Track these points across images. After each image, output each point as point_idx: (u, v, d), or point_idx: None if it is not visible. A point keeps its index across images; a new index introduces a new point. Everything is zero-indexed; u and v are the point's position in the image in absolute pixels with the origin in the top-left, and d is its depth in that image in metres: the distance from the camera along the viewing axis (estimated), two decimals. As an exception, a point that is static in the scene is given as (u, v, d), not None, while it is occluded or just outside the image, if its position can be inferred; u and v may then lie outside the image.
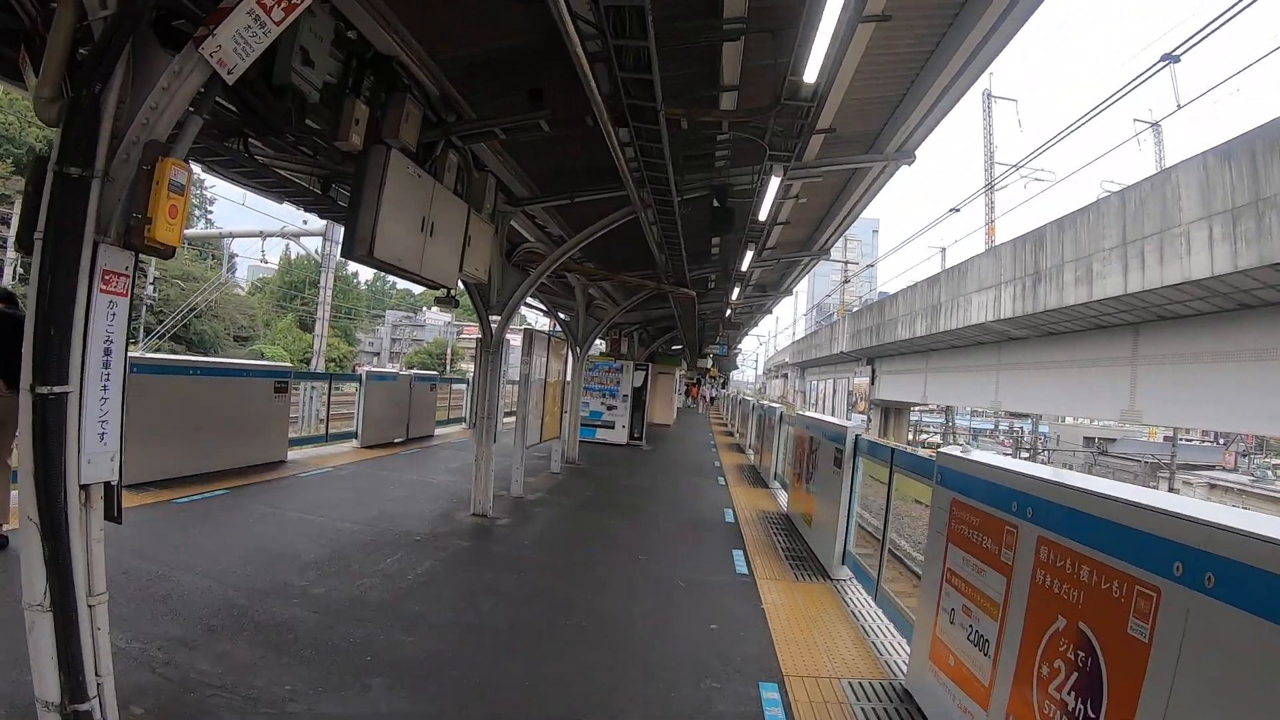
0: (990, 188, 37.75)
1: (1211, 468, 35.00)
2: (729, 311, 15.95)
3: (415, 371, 13.49)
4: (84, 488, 2.36)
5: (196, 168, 5.86)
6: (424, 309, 76.05)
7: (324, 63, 3.48)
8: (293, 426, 15.26)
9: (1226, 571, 1.75)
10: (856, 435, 6.08)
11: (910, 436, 37.34)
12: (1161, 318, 12.14)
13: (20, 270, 24.58)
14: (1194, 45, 7.79)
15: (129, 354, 6.37)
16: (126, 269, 2.54)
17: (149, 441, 6.88)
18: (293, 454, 9.51)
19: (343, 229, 4.60)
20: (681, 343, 22.48)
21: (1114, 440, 40.92)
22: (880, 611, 5.08)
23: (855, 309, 35.53)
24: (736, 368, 72.18)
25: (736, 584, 5.63)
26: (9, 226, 23.75)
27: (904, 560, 10.31)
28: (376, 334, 75.11)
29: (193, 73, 2.37)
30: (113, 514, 2.62)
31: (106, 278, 2.41)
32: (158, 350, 27.88)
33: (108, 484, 2.55)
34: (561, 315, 12.27)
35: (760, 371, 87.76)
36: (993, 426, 52.80)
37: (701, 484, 11.02)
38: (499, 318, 7.18)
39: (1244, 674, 1.67)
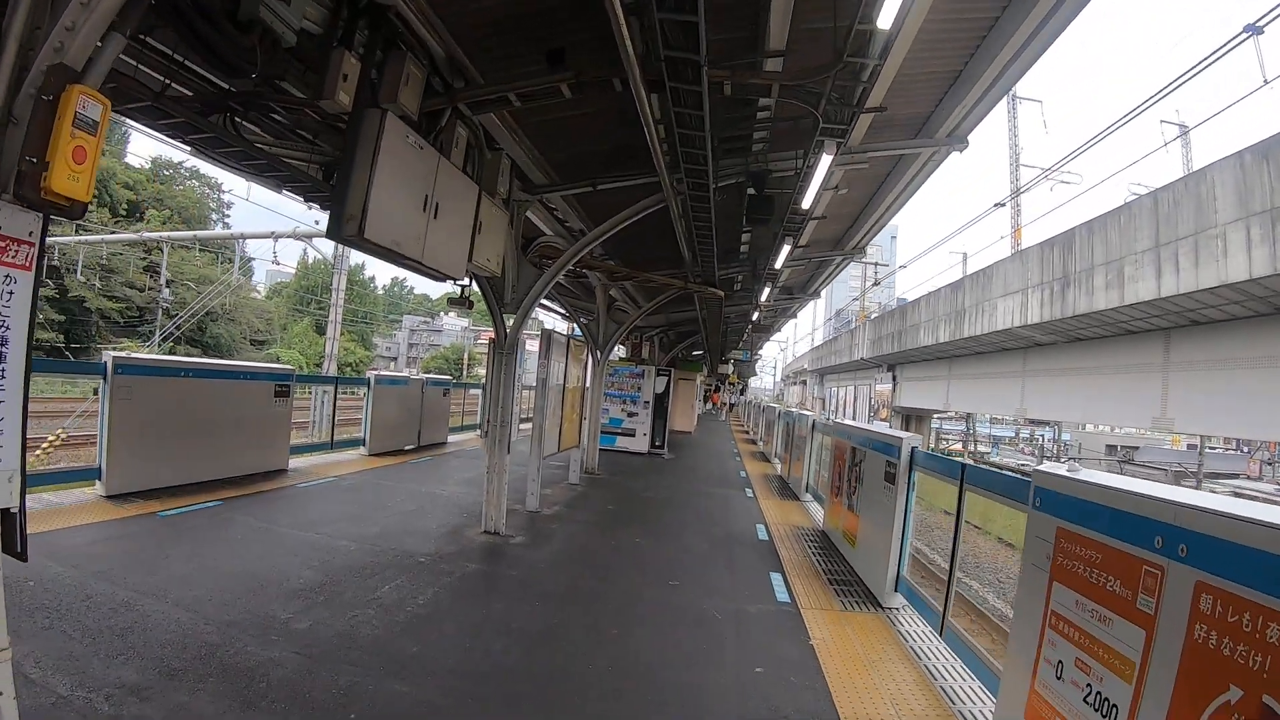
0: (1017, 193, 36.79)
1: (1235, 476, 33.86)
2: (756, 314, 15.23)
3: (427, 375, 12.96)
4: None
5: (183, 148, 5.34)
6: (441, 314, 76.01)
7: (302, 2, 2.89)
8: (302, 432, 14.92)
9: None
10: (913, 448, 5.43)
11: (931, 444, 36.53)
12: (1195, 322, 11.67)
13: None
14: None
15: (114, 354, 5.70)
16: (30, 235, 1.96)
17: (134, 448, 6.38)
18: (296, 462, 8.98)
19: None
20: (703, 348, 21.80)
21: (1136, 448, 40.08)
22: (946, 648, 4.51)
23: (875, 315, 34.74)
24: (755, 374, 71.24)
25: (778, 614, 5.03)
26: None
27: (935, 572, 9.58)
28: (394, 339, 75.11)
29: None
30: (14, 548, 2.06)
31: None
32: (171, 353, 27.74)
33: (5, 511, 2.00)
34: (581, 319, 11.67)
35: (778, 378, 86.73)
36: (1013, 434, 52.25)
37: (729, 496, 10.34)
38: (514, 316, 6.57)
39: None
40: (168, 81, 4.40)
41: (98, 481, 6.29)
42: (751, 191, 6.42)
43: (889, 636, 4.74)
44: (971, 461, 4.92)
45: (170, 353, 29.16)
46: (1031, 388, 17.81)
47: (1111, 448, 40.85)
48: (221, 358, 33.30)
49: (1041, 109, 46.70)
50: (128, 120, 4.63)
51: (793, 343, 72.15)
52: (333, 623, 3.99)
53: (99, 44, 1.98)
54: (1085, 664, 2.67)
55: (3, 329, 1.91)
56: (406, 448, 11.65)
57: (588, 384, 10.47)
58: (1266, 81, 9.45)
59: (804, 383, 57.98)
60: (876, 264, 37.52)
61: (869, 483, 6.21)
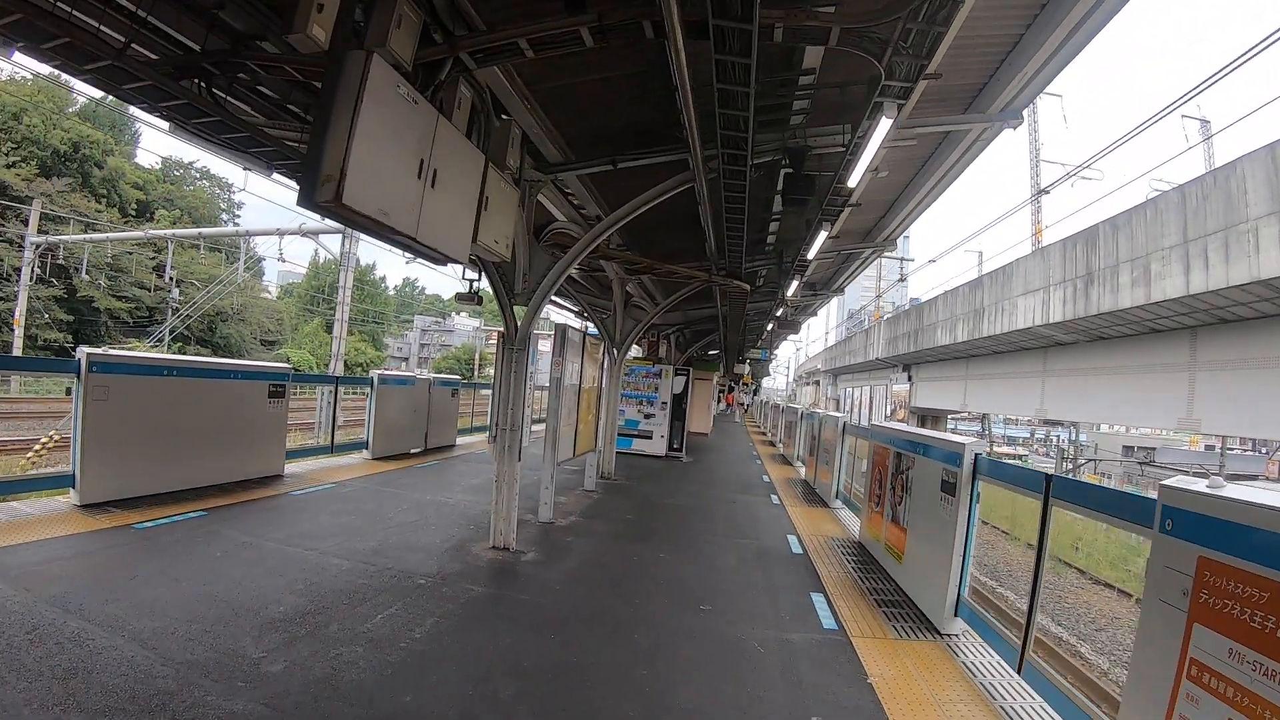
0: (1039, 193, 35.85)
1: (1255, 478, 33.02)
2: (780, 310, 14.54)
3: (435, 375, 12.38)
4: None
5: (160, 125, 4.78)
6: (452, 315, 75.65)
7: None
8: (306, 434, 14.38)
9: None
10: (976, 455, 4.79)
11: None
12: (1223, 320, 11.12)
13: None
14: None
15: (89, 350, 5.05)
16: None
17: (112, 454, 5.83)
18: (293, 467, 8.42)
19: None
20: (719, 346, 21.13)
21: (1154, 449, 39.54)
22: (1025, 686, 3.89)
23: (889, 316, 34.04)
24: (769, 374, 70.35)
25: (827, 645, 4.41)
26: (27, 225, 23.38)
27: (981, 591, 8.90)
28: (405, 339, 74.77)
29: None
30: None
31: None
32: (181, 354, 27.41)
33: None
34: (595, 317, 11.04)
35: (791, 378, 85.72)
36: (1028, 434, 51.86)
37: (754, 503, 9.67)
38: (525, 308, 5.95)
39: None
40: (127, 40, 3.86)
41: (71, 490, 5.75)
42: (789, 170, 5.76)
43: (953, 670, 4.13)
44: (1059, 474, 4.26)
45: (180, 353, 28.83)
46: (1052, 388, 17.42)
47: (1129, 449, 40.32)
48: (231, 358, 32.96)
49: (1061, 103, 45.77)
50: (82, 84, 4.09)
51: (806, 343, 71.16)
52: (312, 664, 3.38)
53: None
54: (1247, 729, 2.12)
55: None
56: (412, 451, 11.07)
57: (604, 384, 9.84)
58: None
59: (817, 383, 57.19)
60: (902, 259, 36.61)
61: (920, 492, 5.57)
